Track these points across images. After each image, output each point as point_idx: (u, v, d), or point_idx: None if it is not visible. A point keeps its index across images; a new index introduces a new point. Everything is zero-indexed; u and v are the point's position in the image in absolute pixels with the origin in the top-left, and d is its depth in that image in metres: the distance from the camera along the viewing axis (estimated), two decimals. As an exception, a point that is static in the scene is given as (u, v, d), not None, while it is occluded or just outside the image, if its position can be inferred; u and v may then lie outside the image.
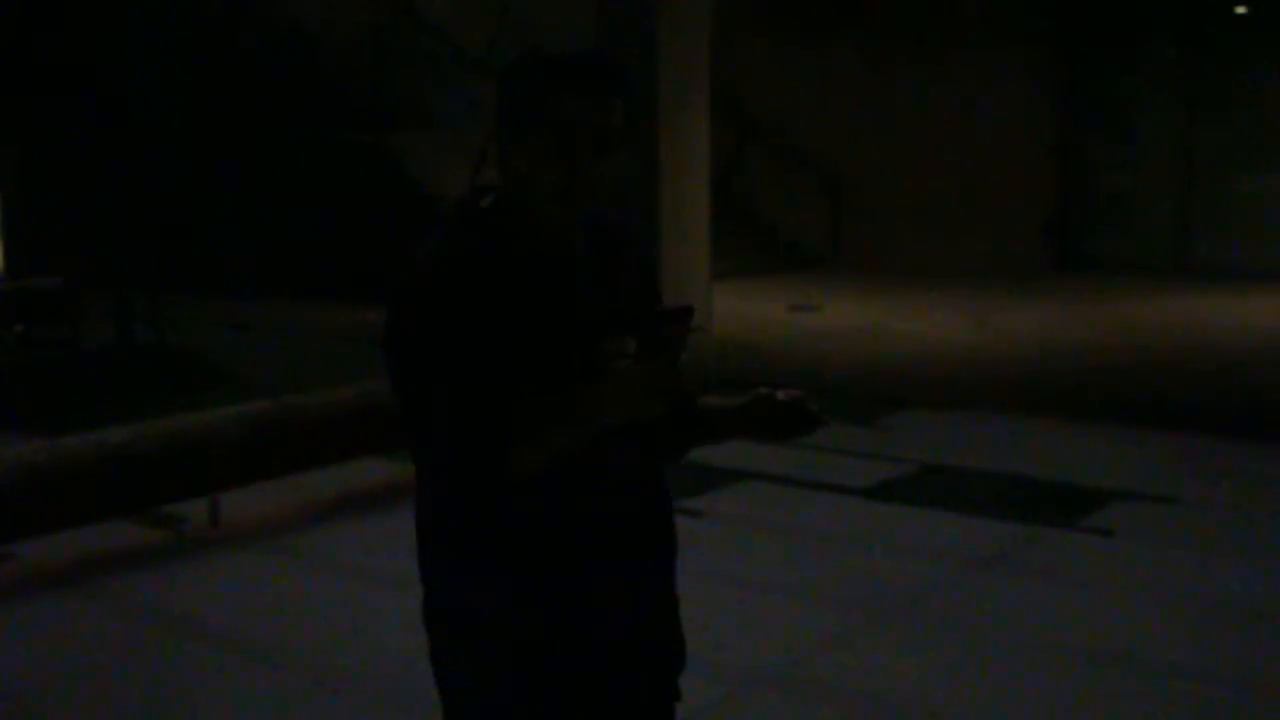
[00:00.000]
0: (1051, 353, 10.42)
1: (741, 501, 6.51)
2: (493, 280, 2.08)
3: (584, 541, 2.14)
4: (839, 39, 15.67)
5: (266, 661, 4.77)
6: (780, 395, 2.30)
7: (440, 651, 2.22)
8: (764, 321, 11.92)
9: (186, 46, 13.95)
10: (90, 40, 12.87)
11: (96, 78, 12.20)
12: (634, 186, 10.38)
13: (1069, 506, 6.40)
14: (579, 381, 2.06)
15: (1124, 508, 6.39)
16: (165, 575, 5.58)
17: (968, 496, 6.58)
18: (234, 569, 5.69)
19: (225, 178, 13.94)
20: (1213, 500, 6.54)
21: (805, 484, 6.72)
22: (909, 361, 10.14)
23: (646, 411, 2.03)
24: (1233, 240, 14.22)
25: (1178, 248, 14.82)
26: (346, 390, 6.47)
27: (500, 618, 2.13)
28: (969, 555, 5.80)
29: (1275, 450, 7.48)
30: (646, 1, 10.88)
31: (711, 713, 4.11)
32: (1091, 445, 7.65)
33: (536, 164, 2.09)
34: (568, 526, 2.13)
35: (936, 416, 8.39)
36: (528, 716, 2.17)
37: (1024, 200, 14.93)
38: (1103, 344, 10.75)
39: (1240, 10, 14.45)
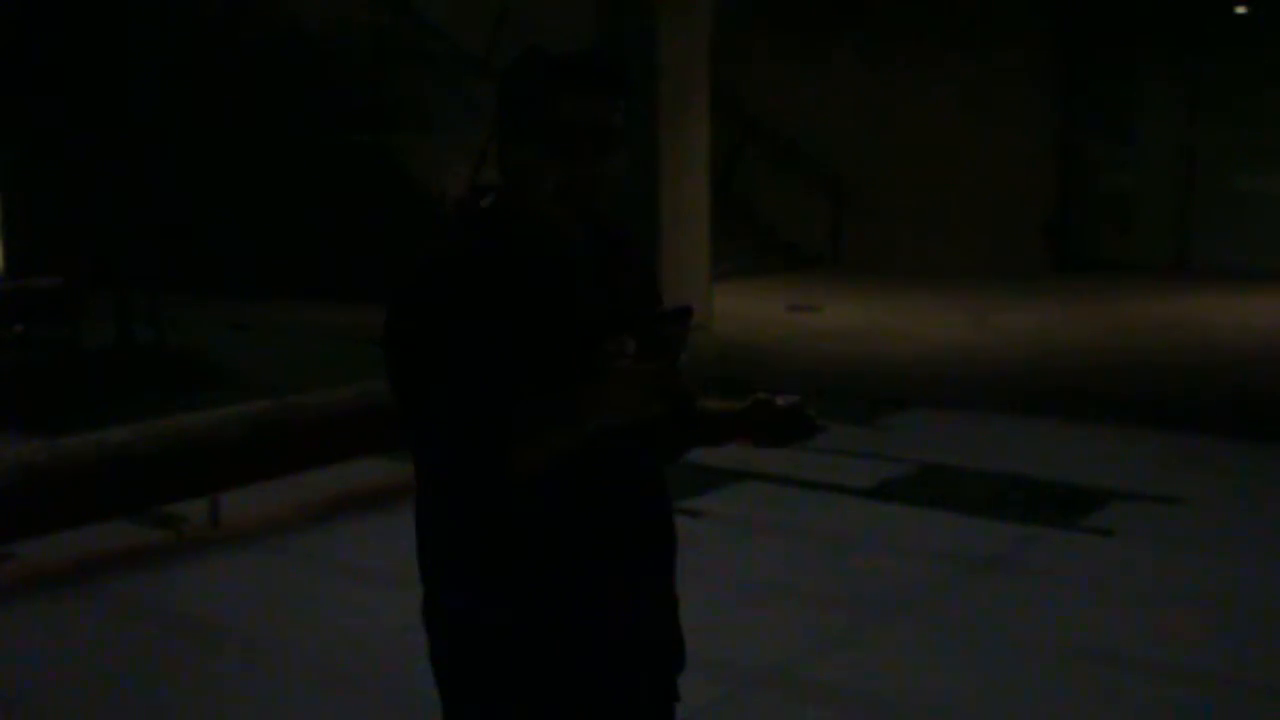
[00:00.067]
0: (1051, 353, 10.42)
1: (741, 501, 6.51)
2: (493, 280, 2.08)
3: (583, 541, 2.14)
4: (839, 39, 15.67)
5: (266, 661, 4.77)
6: (780, 401, 2.31)
7: (440, 651, 2.22)
8: (764, 321, 11.92)
9: (186, 46, 13.95)
10: (90, 40, 12.86)
11: (96, 78, 12.19)
12: (634, 186, 10.38)
13: (1069, 506, 6.40)
14: (579, 381, 2.06)
15: (1124, 508, 6.39)
16: (165, 575, 5.58)
17: (968, 496, 6.58)
18: (234, 569, 5.69)
19: (225, 178, 13.94)
20: (1213, 500, 6.54)
21: (805, 484, 6.72)
22: (909, 361, 10.14)
23: (646, 412, 2.03)
24: (1233, 240, 14.23)
25: (1178, 248, 14.83)
26: (346, 390, 6.47)
27: (500, 617, 2.13)
28: (969, 555, 5.79)
29: (1275, 450, 7.48)
30: (646, 2, 10.89)
31: (711, 713, 4.10)
32: (1091, 445, 7.65)
33: (536, 164, 2.09)
34: (567, 526, 2.13)
35: (936, 416, 8.38)
36: (528, 717, 2.17)
37: (1024, 200, 14.93)
38: (1103, 344, 10.75)
39: (1240, 10, 14.46)
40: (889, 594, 5.37)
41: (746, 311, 12.13)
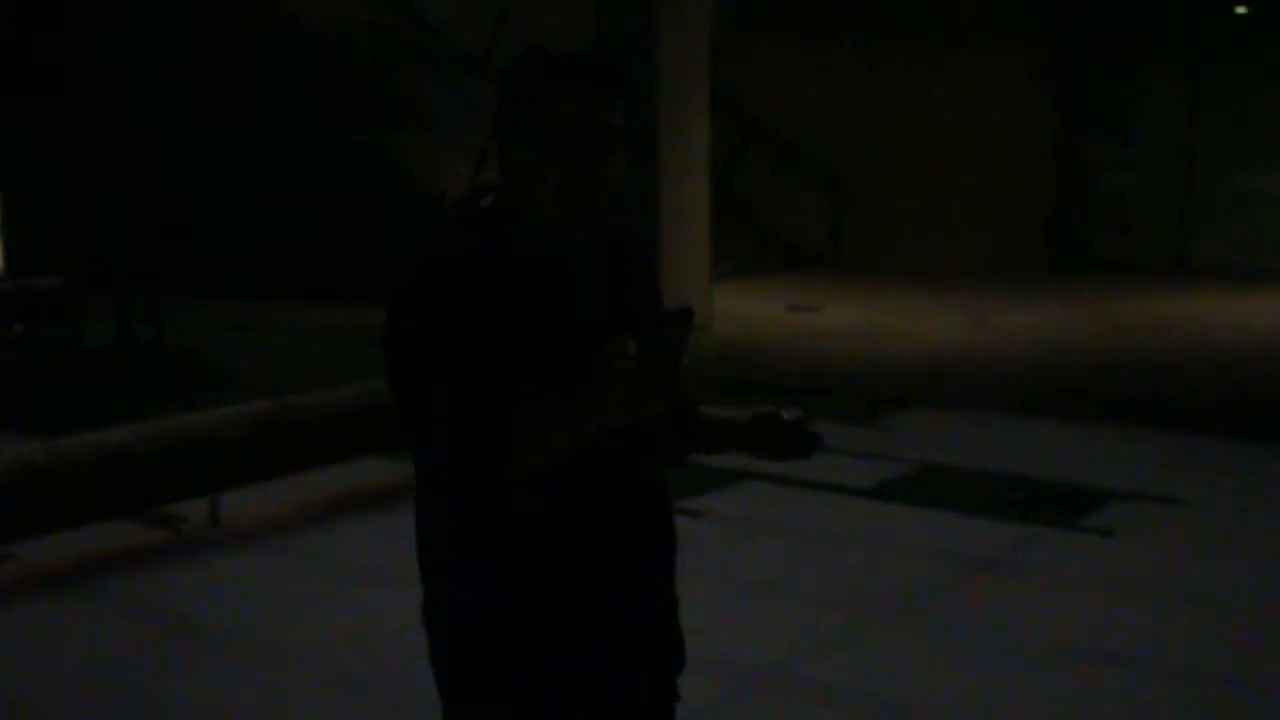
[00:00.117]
0: (1051, 353, 10.42)
1: (741, 501, 6.51)
2: (493, 280, 2.08)
3: (583, 541, 2.14)
4: (839, 39, 15.67)
5: (267, 661, 4.77)
6: (784, 414, 2.28)
7: (440, 651, 2.22)
8: (764, 321, 11.92)
9: (186, 46, 13.95)
10: (90, 40, 12.86)
11: (96, 78, 12.19)
12: (634, 186, 10.39)
13: (1069, 506, 6.40)
14: (579, 382, 2.06)
15: (1124, 508, 6.39)
16: (165, 575, 5.58)
17: (968, 496, 6.58)
18: (234, 569, 5.69)
19: (225, 178, 13.94)
20: (1213, 500, 6.54)
21: (805, 484, 6.72)
22: (909, 361, 10.14)
23: (646, 413, 2.03)
24: (1233, 240, 14.24)
25: (1178, 248, 14.83)
26: (346, 390, 6.47)
27: (500, 618, 2.14)
28: (969, 555, 5.79)
29: (1275, 450, 7.48)
30: (646, 2, 10.89)
31: (711, 713, 4.10)
32: (1091, 445, 7.65)
33: (536, 164, 2.09)
34: (567, 527, 2.13)
35: (936, 416, 8.38)
36: (527, 716, 2.17)
37: (1024, 200, 14.93)
38: (1102, 344, 10.75)
39: (1240, 10, 14.46)
40: (889, 594, 5.37)
41: (746, 311, 12.13)
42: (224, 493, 6.05)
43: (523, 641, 2.14)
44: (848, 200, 15.85)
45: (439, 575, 2.20)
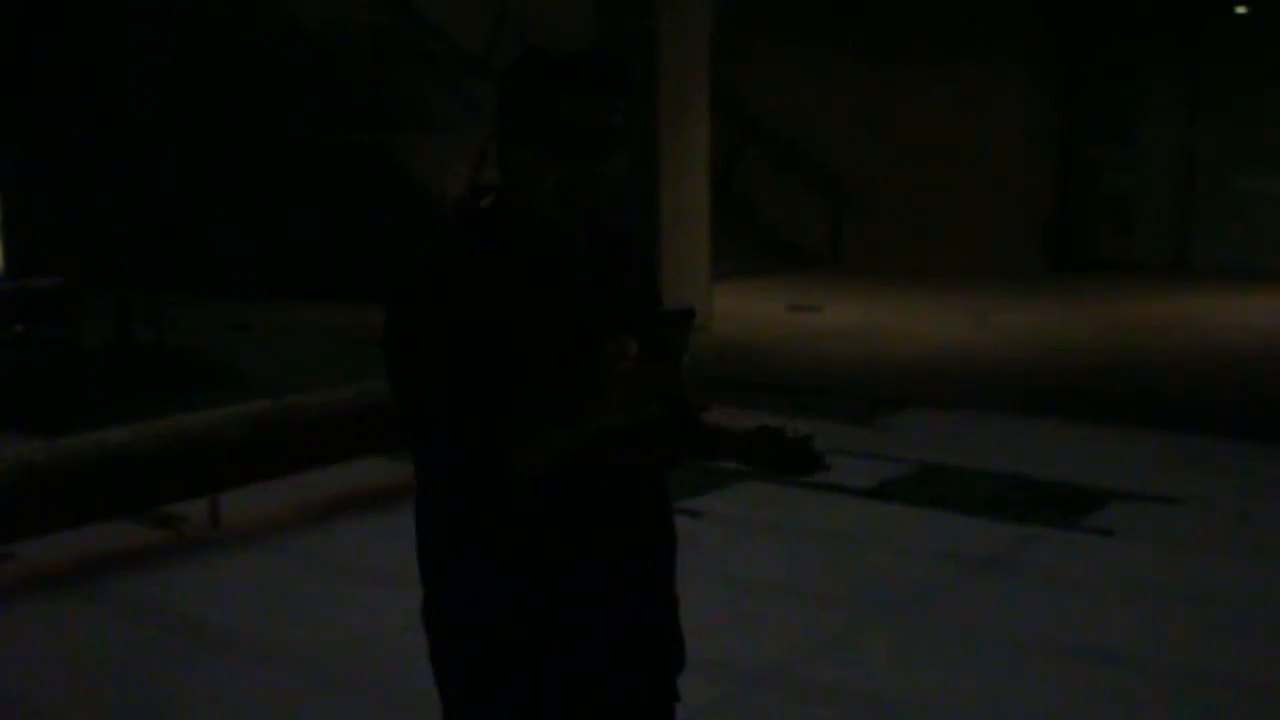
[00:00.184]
0: (1051, 353, 10.42)
1: (741, 501, 6.51)
2: (493, 280, 2.08)
3: (583, 542, 2.14)
4: (839, 39, 15.67)
5: (267, 661, 4.77)
6: (788, 432, 2.27)
7: (440, 651, 2.22)
8: (764, 321, 11.92)
9: (186, 46, 13.95)
10: (90, 40, 12.86)
11: (96, 78, 12.19)
12: (634, 186, 10.39)
13: (1069, 506, 6.40)
14: (579, 382, 2.06)
15: (1124, 508, 6.39)
16: (165, 575, 5.58)
17: (967, 496, 6.58)
18: (234, 569, 5.69)
19: (225, 178, 13.94)
20: (1213, 500, 6.54)
21: (805, 484, 6.71)
22: (909, 361, 10.14)
23: (646, 413, 2.03)
24: (1233, 240, 14.24)
25: (1178, 247, 14.84)
26: (346, 390, 6.47)
27: (499, 618, 2.13)
28: (969, 555, 5.79)
29: (1275, 450, 7.48)
30: (647, 2, 10.89)
31: (711, 713, 4.10)
32: (1091, 445, 7.65)
33: (536, 164, 2.09)
34: (567, 527, 2.13)
35: (936, 416, 8.39)
36: (527, 717, 2.17)
37: (1024, 200, 14.93)
38: (1102, 344, 10.75)
39: (1240, 10, 14.46)
40: (889, 594, 5.37)
41: (746, 311, 12.13)
42: (224, 493, 6.05)
43: (523, 642, 2.13)
44: (848, 200, 15.85)
45: (439, 575, 2.20)
